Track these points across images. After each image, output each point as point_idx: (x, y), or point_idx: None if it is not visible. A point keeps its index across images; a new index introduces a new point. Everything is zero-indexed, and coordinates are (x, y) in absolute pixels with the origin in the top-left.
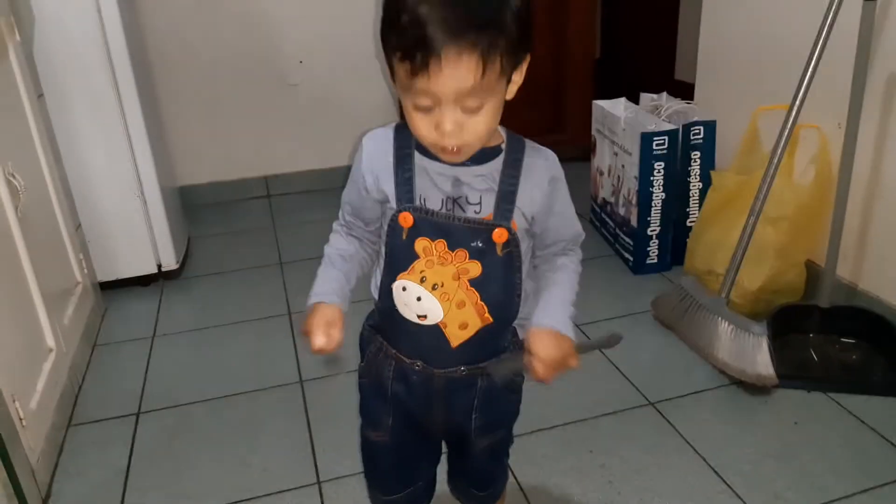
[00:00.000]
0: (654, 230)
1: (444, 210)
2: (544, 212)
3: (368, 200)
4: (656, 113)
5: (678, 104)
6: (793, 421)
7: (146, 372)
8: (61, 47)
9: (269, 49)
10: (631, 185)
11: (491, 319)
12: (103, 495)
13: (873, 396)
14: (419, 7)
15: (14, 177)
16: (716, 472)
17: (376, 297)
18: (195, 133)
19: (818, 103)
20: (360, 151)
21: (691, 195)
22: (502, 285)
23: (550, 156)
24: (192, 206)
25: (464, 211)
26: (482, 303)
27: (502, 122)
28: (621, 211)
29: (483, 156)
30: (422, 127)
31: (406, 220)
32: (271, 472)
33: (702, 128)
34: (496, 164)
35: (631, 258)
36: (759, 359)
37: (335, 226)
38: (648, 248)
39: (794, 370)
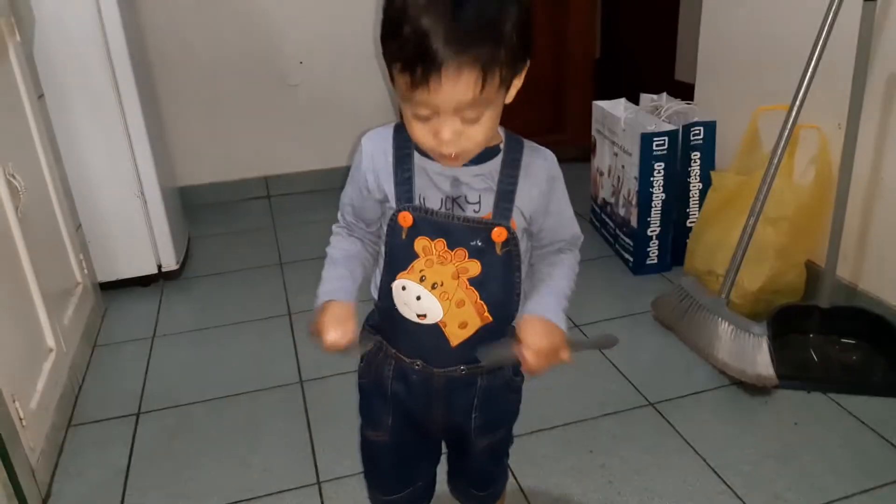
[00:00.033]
0: (654, 231)
1: (443, 209)
2: (542, 211)
3: (370, 200)
4: (656, 113)
5: (678, 104)
6: (793, 421)
7: (146, 372)
8: (61, 47)
9: (269, 49)
10: (631, 185)
11: (490, 318)
12: (103, 495)
13: (873, 397)
14: (421, 19)
15: (14, 177)
16: (716, 472)
17: (376, 296)
18: (195, 133)
19: (818, 103)
20: (360, 152)
21: (691, 196)
22: (501, 284)
23: (549, 155)
24: (192, 207)
25: (463, 210)
26: (481, 302)
27: (502, 122)
28: (621, 211)
29: (482, 155)
30: (420, 134)
31: (405, 219)
32: (271, 472)
33: (702, 128)
34: (495, 164)
35: (631, 259)
36: (759, 359)
37: (335, 228)
38: (648, 249)
39: (794, 371)
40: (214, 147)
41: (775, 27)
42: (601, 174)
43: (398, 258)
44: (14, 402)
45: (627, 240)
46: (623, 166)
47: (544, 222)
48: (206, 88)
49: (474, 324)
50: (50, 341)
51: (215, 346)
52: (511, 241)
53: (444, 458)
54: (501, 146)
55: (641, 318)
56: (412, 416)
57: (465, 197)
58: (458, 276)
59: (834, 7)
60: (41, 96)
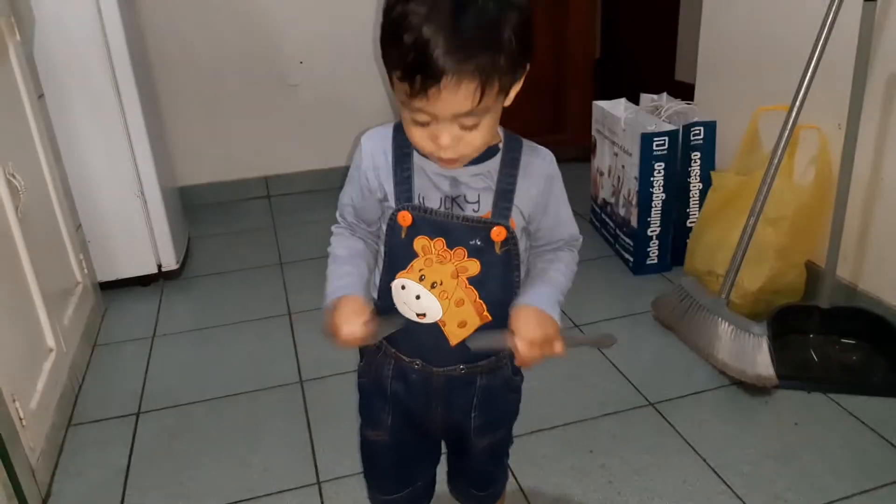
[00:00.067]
0: (655, 231)
1: (442, 209)
2: (540, 210)
3: (371, 200)
4: (656, 113)
5: (678, 105)
6: (793, 422)
7: (146, 372)
8: (62, 47)
9: (269, 49)
10: (631, 185)
11: (490, 318)
12: (103, 495)
13: (873, 397)
14: (422, 29)
15: (14, 177)
16: (716, 472)
17: (375, 296)
18: (195, 133)
19: (818, 104)
20: (359, 151)
21: (691, 196)
22: (501, 283)
23: (547, 155)
24: (192, 207)
25: (462, 209)
26: (481, 301)
27: (502, 122)
28: (621, 211)
29: (481, 155)
30: (419, 138)
31: (405, 218)
32: (271, 472)
33: (702, 128)
34: (494, 164)
35: (631, 259)
36: (760, 359)
37: (335, 229)
38: (648, 249)
39: (794, 371)
40: (214, 147)
41: (775, 27)
42: (601, 174)
43: (397, 257)
44: (14, 401)
45: (627, 240)
46: (623, 166)
47: (542, 222)
48: (206, 88)
49: (473, 323)
50: (50, 341)
51: (215, 346)
52: (510, 240)
53: (444, 459)
54: (500, 145)
55: (641, 318)
56: (412, 416)
57: (465, 196)
58: (458, 276)
59: (834, 7)
60: (41, 96)
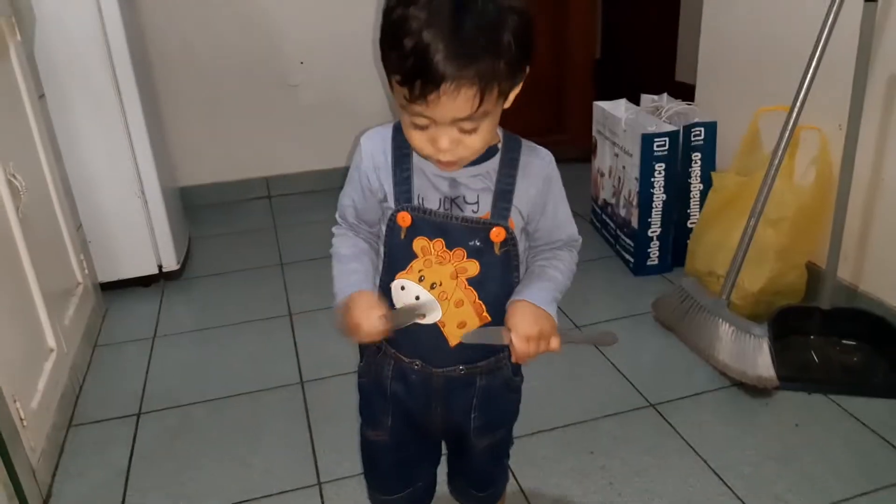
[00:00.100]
0: (655, 231)
1: (442, 209)
2: (539, 210)
3: (372, 200)
4: (657, 114)
5: (679, 105)
6: (794, 423)
7: (147, 372)
8: (62, 47)
9: (269, 49)
10: (632, 186)
11: (489, 318)
12: (104, 496)
13: (874, 398)
14: (422, 34)
15: (15, 177)
16: (716, 473)
17: None
18: (196, 133)
19: (819, 105)
20: (359, 151)
21: (692, 196)
22: (500, 284)
23: (546, 155)
24: (192, 207)
25: (461, 210)
26: (480, 301)
27: (502, 122)
28: (622, 212)
29: (480, 156)
30: (418, 141)
31: (404, 219)
32: (272, 472)
33: (702, 129)
34: (493, 164)
35: (632, 259)
36: (760, 360)
37: (337, 230)
38: (649, 250)
39: (794, 372)
40: (215, 147)
41: (776, 28)
42: (602, 175)
43: (397, 258)
44: (15, 402)
45: (628, 240)
46: (624, 167)
47: (541, 222)
48: (206, 88)
49: (473, 323)
50: (51, 341)
51: (216, 347)
52: (509, 240)
53: (444, 459)
54: (499, 146)
55: (642, 319)
56: (412, 416)
57: (464, 197)
58: (457, 276)
59: (834, 8)
60: (42, 96)
